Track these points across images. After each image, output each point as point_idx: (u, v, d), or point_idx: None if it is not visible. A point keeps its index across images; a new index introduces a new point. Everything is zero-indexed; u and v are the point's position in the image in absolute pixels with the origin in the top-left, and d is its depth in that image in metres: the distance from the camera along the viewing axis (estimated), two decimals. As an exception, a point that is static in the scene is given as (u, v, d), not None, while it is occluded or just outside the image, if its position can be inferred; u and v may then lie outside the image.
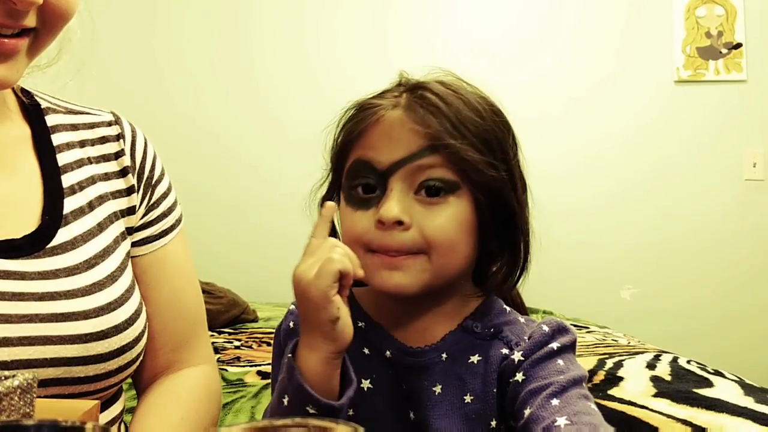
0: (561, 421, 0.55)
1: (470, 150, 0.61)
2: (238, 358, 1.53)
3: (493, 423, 0.63)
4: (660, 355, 1.42)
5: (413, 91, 0.65)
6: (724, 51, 2.68)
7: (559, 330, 0.64)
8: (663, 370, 1.29)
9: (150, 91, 2.62)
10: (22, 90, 0.74)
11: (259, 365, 1.44)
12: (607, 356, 1.41)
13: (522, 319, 0.68)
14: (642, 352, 1.45)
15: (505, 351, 0.64)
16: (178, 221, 0.81)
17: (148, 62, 2.66)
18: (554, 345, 0.63)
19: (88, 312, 0.65)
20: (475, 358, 0.64)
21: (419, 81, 0.67)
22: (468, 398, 0.63)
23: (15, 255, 0.63)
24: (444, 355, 0.64)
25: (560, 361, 0.62)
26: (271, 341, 0.74)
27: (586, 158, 2.67)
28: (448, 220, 0.62)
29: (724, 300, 2.63)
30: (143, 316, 0.72)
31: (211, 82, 2.68)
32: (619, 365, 1.32)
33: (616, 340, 1.66)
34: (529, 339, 0.64)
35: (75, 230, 0.68)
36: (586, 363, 1.34)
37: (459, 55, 2.65)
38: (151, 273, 0.76)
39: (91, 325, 0.64)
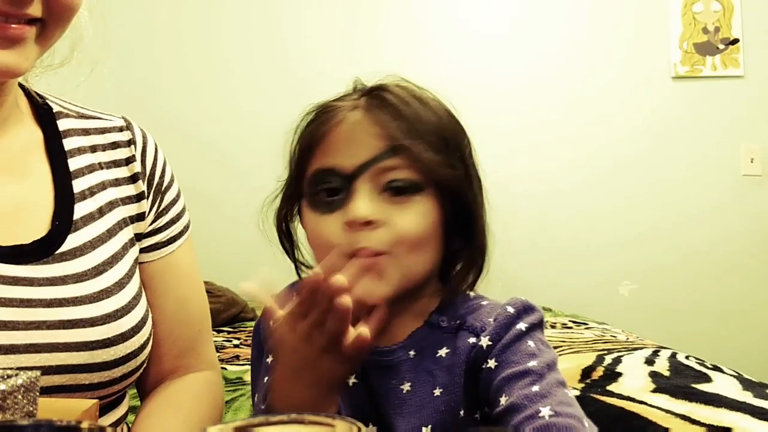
0: (545, 411, 0.55)
1: (429, 150, 0.62)
2: (237, 357, 1.53)
3: (461, 413, 0.62)
4: (658, 351, 1.42)
5: (372, 93, 0.66)
6: (721, 47, 2.68)
7: (525, 309, 0.64)
8: (661, 365, 1.29)
9: (152, 93, 2.62)
10: (34, 93, 0.74)
11: (259, 363, 1.44)
12: (605, 352, 1.41)
13: (484, 303, 0.68)
14: (640, 348, 1.46)
15: (472, 340, 0.63)
16: (186, 228, 0.81)
17: (156, 63, 2.66)
18: (522, 326, 0.62)
19: (95, 319, 0.64)
20: (443, 352, 0.64)
21: (377, 84, 0.67)
22: (437, 392, 0.63)
23: (24, 260, 0.63)
24: (412, 353, 0.64)
25: (530, 342, 0.61)
26: (271, 339, 0.74)
27: (583, 154, 2.67)
28: (416, 217, 0.62)
29: (722, 296, 2.63)
30: (149, 323, 0.72)
31: (217, 84, 2.67)
32: (617, 361, 1.32)
33: (614, 336, 1.66)
34: (494, 321, 0.63)
35: (84, 236, 0.68)
36: (585, 359, 1.34)
37: (453, 51, 2.65)
38: (159, 279, 0.76)
39: (97, 332, 0.64)
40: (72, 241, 0.67)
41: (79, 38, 0.72)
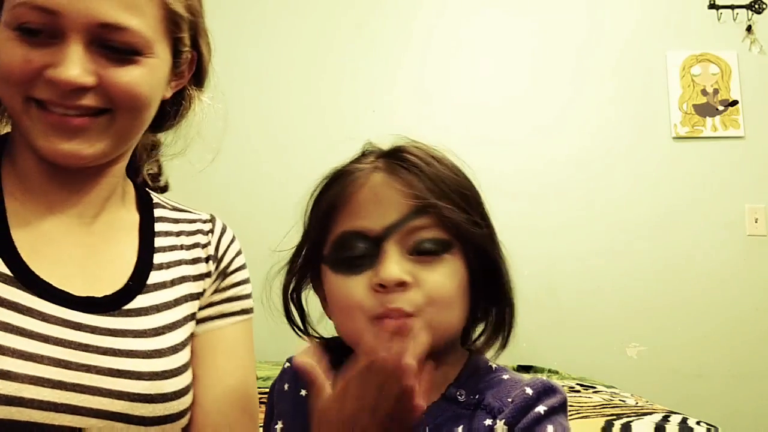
0: None
1: (455, 209, 0.62)
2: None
3: None
4: (669, 416, 1.39)
5: (390, 155, 0.66)
6: (721, 108, 2.72)
7: (545, 391, 0.61)
8: None
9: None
10: (141, 187, 0.83)
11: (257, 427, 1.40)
12: (614, 417, 1.38)
13: (506, 377, 0.65)
14: (650, 413, 1.42)
15: (488, 422, 0.60)
16: (245, 311, 0.84)
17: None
18: (541, 409, 0.59)
19: (142, 374, 0.67)
20: (458, 430, 0.60)
21: (395, 146, 0.67)
22: None
23: (92, 311, 0.68)
24: (427, 429, 0.61)
25: (550, 427, 0.58)
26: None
27: (588, 217, 2.66)
28: (446, 277, 0.61)
29: (731, 358, 2.58)
30: (190, 395, 0.74)
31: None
32: (627, 427, 1.29)
33: (623, 401, 1.63)
34: (512, 403, 0.60)
35: (152, 300, 0.73)
36: (594, 425, 1.31)
37: (456, 113, 2.68)
38: (205, 351, 0.78)
39: (141, 386, 0.67)
40: (140, 301, 0.72)
41: (197, 130, 0.80)
